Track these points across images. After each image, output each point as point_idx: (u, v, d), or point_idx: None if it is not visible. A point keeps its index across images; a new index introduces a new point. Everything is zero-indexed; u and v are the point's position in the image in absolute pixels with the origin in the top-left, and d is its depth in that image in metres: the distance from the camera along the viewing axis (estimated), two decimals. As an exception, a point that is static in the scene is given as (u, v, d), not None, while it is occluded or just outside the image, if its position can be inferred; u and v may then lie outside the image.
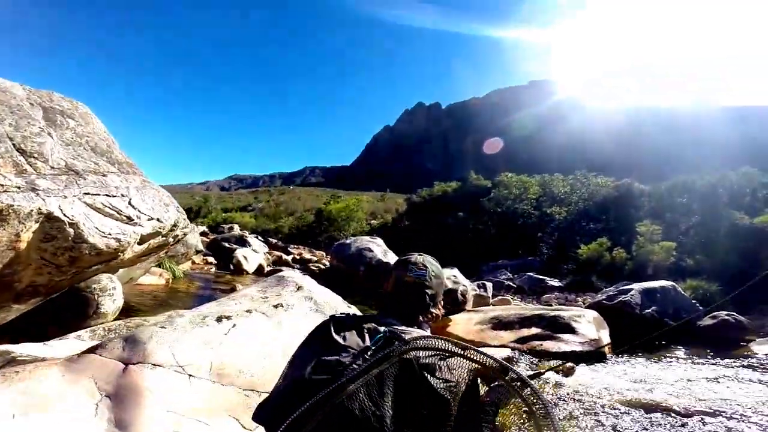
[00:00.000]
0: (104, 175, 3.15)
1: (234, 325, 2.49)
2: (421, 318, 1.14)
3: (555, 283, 13.04)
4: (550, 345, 5.84)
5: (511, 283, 13.23)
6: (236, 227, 24.70)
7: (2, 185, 2.18)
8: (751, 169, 17.71)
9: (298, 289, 3.30)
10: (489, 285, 10.98)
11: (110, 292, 3.44)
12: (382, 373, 0.80)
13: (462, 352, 0.88)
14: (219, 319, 2.52)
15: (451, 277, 11.81)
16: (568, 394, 4.20)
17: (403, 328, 1.02)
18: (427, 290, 1.14)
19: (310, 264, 17.56)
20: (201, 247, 12.39)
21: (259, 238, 21.10)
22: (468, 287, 9.85)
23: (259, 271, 12.85)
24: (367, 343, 0.93)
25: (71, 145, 3.18)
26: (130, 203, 3.14)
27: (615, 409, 3.84)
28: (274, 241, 23.18)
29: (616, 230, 16.86)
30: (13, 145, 2.55)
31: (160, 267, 8.12)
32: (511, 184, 23.44)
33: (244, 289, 5.51)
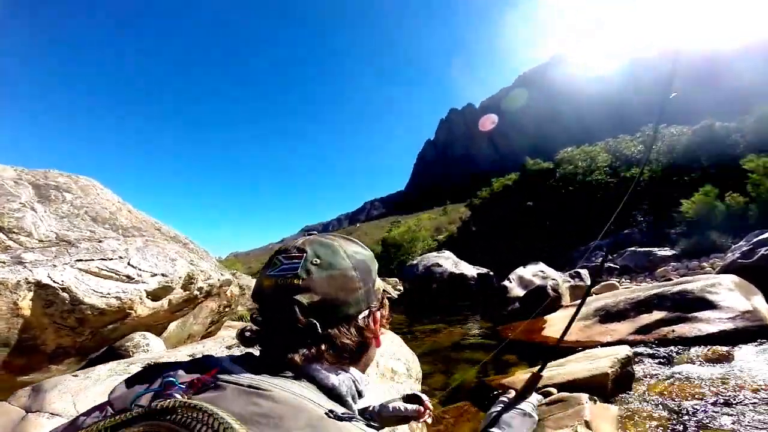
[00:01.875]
0: (100, 241, 3.01)
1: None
2: (303, 357, 0.56)
3: (666, 252, 10.99)
4: (685, 329, 4.51)
5: (612, 265, 11.47)
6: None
7: (-15, 263, 2.22)
8: None
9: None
10: (584, 272, 9.47)
11: (144, 348, 3.43)
12: None
13: None
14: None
15: (539, 273, 10.54)
16: (725, 390, 2.97)
17: (240, 381, 0.50)
18: (299, 297, 0.56)
19: (385, 293, 17.23)
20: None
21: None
22: (559, 280, 8.51)
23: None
24: (129, 402, 0.49)
25: (67, 217, 3.20)
26: (129, 263, 3.01)
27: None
28: None
29: (717, 176, 14.22)
30: (-9, 224, 2.46)
31: (241, 321, 8.24)
32: (575, 157, 21.19)
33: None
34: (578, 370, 3.33)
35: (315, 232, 0.69)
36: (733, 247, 7.66)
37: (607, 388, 3.10)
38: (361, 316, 0.62)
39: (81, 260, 2.64)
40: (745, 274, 5.72)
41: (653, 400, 3.00)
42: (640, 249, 11.75)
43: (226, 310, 7.05)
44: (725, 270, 6.63)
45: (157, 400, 0.45)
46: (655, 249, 11.35)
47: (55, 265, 2.49)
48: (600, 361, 3.33)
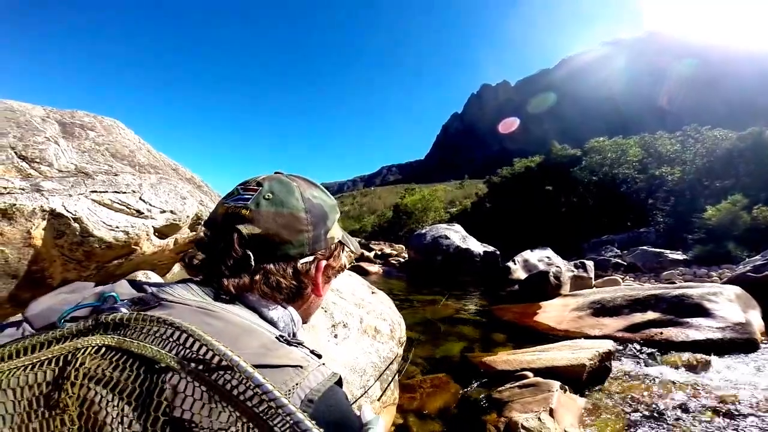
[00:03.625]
0: (116, 175, 3.09)
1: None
2: (236, 285, 0.56)
3: (677, 256, 10.76)
4: (673, 332, 4.53)
5: (620, 261, 11.35)
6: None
7: (5, 188, 2.32)
8: None
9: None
10: (590, 264, 9.42)
11: None
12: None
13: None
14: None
15: (544, 258, 10.55)
16: (694, 397, 3.04)
17: (194, 297, 0.54)
18: (240, 227, 0.57)
19: (391, 258, 17.52)
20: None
21: (344, 238, 22.46)
22: (563, 268, 8.50)
23: (337, 270, 13.06)
24: (58, 315, 0.46)
25: (88, 152, 3.27)
26: (141, 198, 3.10)
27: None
28: (359, 239, 24.11)
29: (751, 187, 13.55)
30: (15, 153, 2.62)
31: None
32: (605, 148, 20.38)
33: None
34: (559, 357, 3.44)
35: (282, 172, 0.68)
36: (747, 260, 7.46)
37: (582, 379, 3.21)
38: (303, 260, 0.62)
39: (96, 191, 2.75)
40: (750, 288, 5.63)
41: (621, 398, 3.10)
42: (651, 249, 11.52)
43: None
44: (731, 281, 6.51)
45: (97, 315, 0.44)
46: (668, 251, 11.10)
47: (70, 195, 2.57)
48: (581, 352, 3.42)
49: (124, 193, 3.00)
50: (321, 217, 0.64)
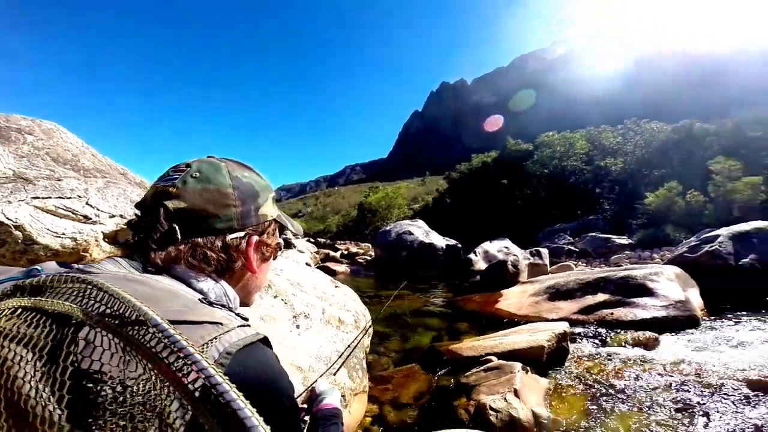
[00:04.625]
0: (59, 180, 2.89)
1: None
2: (162, 257, 0.57)
3: (623, 241, 11.59)
4: (622, 312, 4.87)
5: (572, 247, 12.02)
6: (288, 234, 25.72)
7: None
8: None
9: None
10: (544, 252, 9.94)
11: None
12: None
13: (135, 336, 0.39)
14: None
15: (503, 248, 10.97)
16: (646, 373, 3.31)
17: (121, 271, 0.54)
18: (167, 202, 0.59)
19: (357, 257, 17.49)
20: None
21: (311, 240, 22.02)
22: (520, 257, 8.91)
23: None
24: None
25: (26, 156, 3.06)
26: (87, 203, 2.91)
27: (714, 390, 2.91)
28: (323, 240, 23.96)
29: (684, 175, 14.86)
30: (-60, 158, 2.35)
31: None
32: (554, 142, 21.59)
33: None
34: (519, 341, 3.61)
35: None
36: (684, 242, 8.15)
37: (542, 360, 3.38)
38: (232, 235, 0.63)
39: (38, 197, 2.56)
40: (688, 268, 6.17)
41: (581, 377, 3.31)
42: (600, 235, 12.34)
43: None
44: (671, 262, 7.10)
45: (6, 286, 0.44)
46: (614, 237, 11.96)
47: (9, 201, 2.39)
48: (539, 335, 3.61)
49: (69, 198, 2.81)
50: (250, 194, 0.66)
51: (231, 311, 0.57)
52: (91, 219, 2.79)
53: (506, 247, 10.98)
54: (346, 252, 19.25)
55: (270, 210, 0.71)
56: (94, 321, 0.39)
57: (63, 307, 0.40)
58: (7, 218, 2.39)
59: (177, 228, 0.58)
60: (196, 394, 0.35)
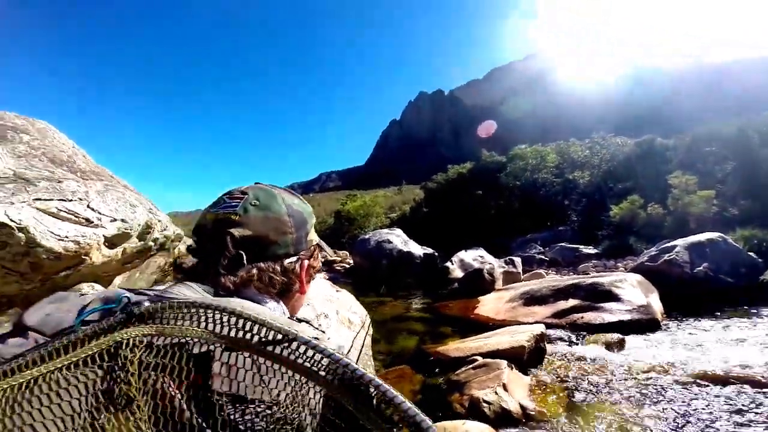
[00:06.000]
0: (59, 182, 2.91)
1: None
2: (233, 282, 0.61)
3: (590, 251, 12.22)
4: (592, 316, 5.23)
5: (543, 257, 12.54)
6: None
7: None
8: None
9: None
10: (518, 260, 10.37)
11: None
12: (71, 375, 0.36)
13: (283, 354, 0.42)
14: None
15: (478, 257, 11.33)
16: (615, 371, 3.62)
17: (196, 295, 0.56)
18: (232, 230, 0.62)
19: (335, 264, 17.42)
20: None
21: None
22: (495, 265, 9.28)
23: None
24: (74, 321, 0.45)
25: (24, 156, 3.04)
26: (89, 206, 2.92)
27: (674, 385, 3.25)
28: None
29: (646, 188, 15.84)
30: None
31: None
32: (527, 155, 22.54)
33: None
34: (502, 342, 3.86)
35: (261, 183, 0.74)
36: (645, 251, 8.72)
37: (523, 359, 3.64)
38: (289, 260, 0.68)
39: (40, 199, 2.54)
40: (649, 275, 6.64)
41: (558, 374, 3.59)
42: (569, 245, 12.97)
43: (171, 269, 6.90)
44: (634, 270, 7.60)
45: (117, 315, 0.41)
46: (582, 246, 12.60)
47: (12, 203, 2.35)
48: (519, 335, 3.87)
49: (71, 201, 2.78)
50: (302, 222, 0.71)
51: None
52: (93, 222, 2.78)
53: (481, 256, 11.34)
54: (323, 260, 19.10)
55: (314, 236, 0.77)
56: (225, 343, 0.41)
57: (192, 332, 0.41)
58: (11, 219, 2.35)
59: (244, 255, 0.61)
60: (335, 382, 0.41)
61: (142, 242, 3.49)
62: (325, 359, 0.41)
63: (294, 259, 0.69)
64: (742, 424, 2.57)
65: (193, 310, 0.42)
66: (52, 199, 2.68)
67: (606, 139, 22.69)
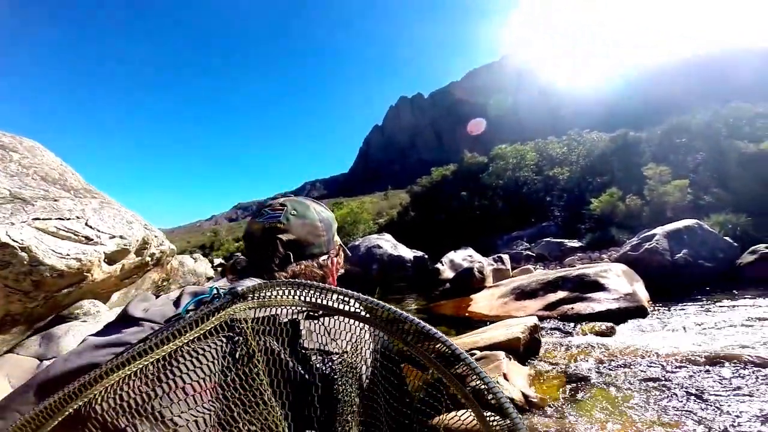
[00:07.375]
0: (55, 200, 2.91)
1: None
2: (283, 276, 0.75)
3: (575, 244, 12.55)
4: (581, 307, 5.42)
5: (529, 253, 12.80)
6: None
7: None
8: (742, 104, 17.24)
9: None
10: (506, 257, 10.60)
11: (94, 315, 3.37)
12: (194, 347, 0.46)
13: (353, 309, 0.53)
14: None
15: (467, 257, 11.51)
16: (608, 357, 3.79)
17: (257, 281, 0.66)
18: (280, 235, 0.77)
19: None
20: (212, 275, 12.39)
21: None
22: (484, 263, 9.47)
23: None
24: (180, 310, 0.56)
25: (17, 175, 3.02)
26: (87, 224, 2.92)
27: (666, 367, 3.43)
28: None
29: (623, 180, 16.36)
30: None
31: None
32: (507, 154, 23.02)
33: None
34: (497, 335, 3.98)
35: (292, 194, 0.89)
36: (627, 242, 9.02)
37: (519, 350, 3.76)
38: (322, 257, 0.82)
39: (38, 219, 2.53)
40: (632, 264, 6.92)
41: (554, 363, 3.72)
42: (554, 240, 13.30)
43: (164, 284, 6.85)
44: (618, 260, 7.86)
45: (224, 297, 0.50)
46: (567, 240, 12.94)
47: (12, 223, 2.33)
48: (514, 328, 4.00)
49: (69, 219, 2.79)
50: (329, 225, 0.85)
51: None
52: (92, 240, 2.78)
53: (470, 256, 11.53)
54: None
55: (338, 237, 0.91)
56: (313, 308, 0.52)
57: (289, 301, 0.51)
58: (13, 240, 2.35)
59: (291, 255, 0.76)
60: (382, 323, 0.51)
61: (140, 258, 3.49)
62: (377, 308, 0.51)
63: (326, 256, 0.83)
64: (733, 401, 2.74)
65: (278, 288, 0.52)
66: (50, 218, 2.68)
67: (582, 135, 23.33)
